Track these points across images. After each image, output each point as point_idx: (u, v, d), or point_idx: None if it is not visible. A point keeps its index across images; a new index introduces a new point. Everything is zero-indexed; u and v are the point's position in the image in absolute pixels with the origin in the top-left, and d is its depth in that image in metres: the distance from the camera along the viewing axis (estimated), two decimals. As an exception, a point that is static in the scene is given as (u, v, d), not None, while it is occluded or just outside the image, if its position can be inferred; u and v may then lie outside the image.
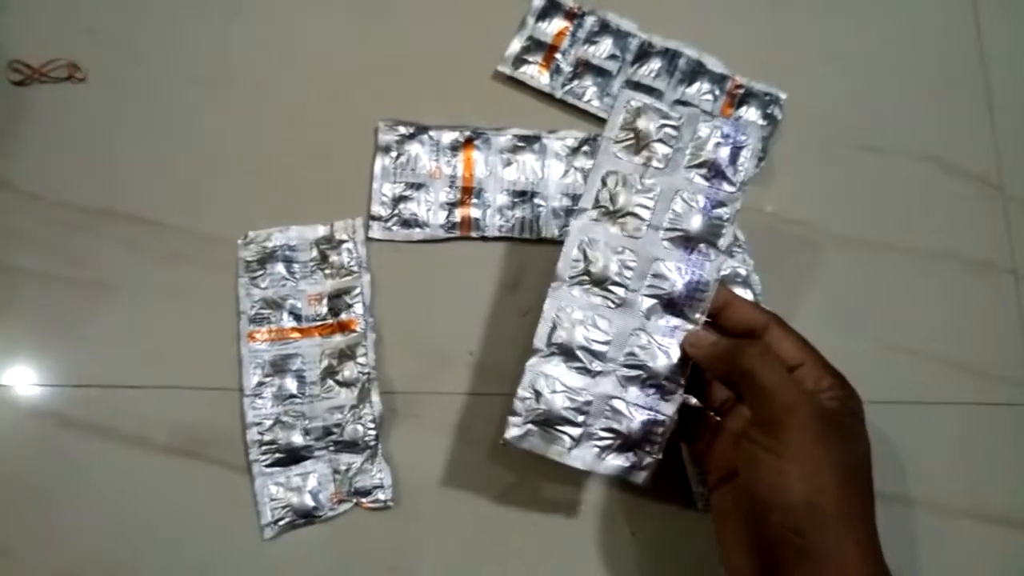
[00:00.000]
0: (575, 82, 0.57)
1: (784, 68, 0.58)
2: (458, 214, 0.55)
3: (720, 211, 0.45)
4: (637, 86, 0.57)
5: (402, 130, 0.56)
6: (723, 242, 0.45)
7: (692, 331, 0.44)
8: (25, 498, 0.48)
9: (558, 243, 0.53)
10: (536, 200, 0.55)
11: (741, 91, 0.58)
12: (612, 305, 0.44)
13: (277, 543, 0.49)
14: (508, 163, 0.56)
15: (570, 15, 0.59)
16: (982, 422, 0.53)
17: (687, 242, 0.44)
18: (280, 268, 0.53)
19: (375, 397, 0.50)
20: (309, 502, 0.49)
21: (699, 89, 0.58)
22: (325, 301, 0.52)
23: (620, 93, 0.46)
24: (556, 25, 0.58)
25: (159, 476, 0.49)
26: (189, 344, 0.51)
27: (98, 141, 0.55)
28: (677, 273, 0.44)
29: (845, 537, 0.36)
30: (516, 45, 0.58)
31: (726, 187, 0.45)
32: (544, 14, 0.59)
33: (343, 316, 0.52)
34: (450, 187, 0.55)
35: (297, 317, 0.52)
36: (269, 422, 0.50)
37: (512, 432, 0.44)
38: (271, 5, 0.58)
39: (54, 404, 0.50)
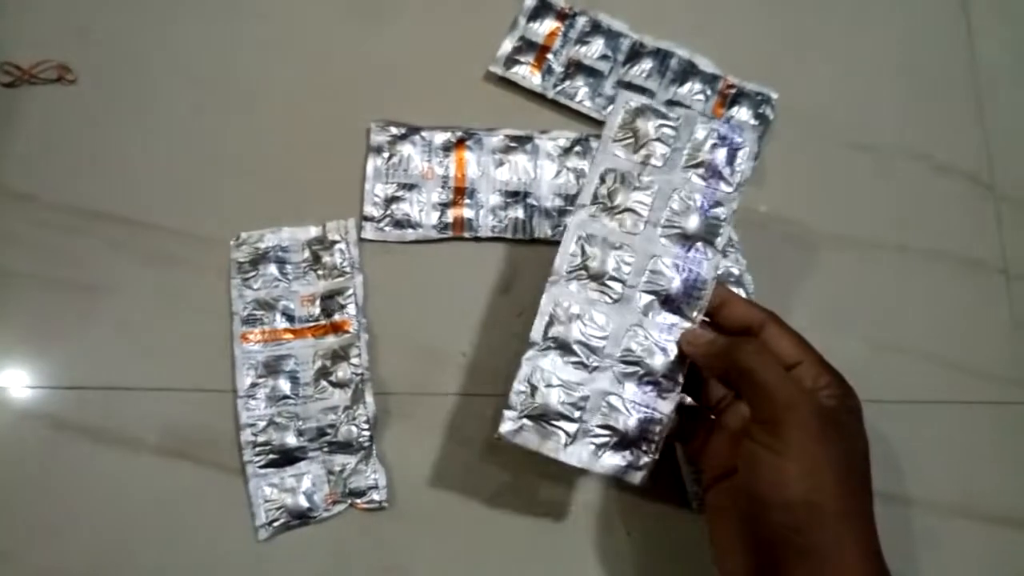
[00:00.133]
0: (567, 82, 0.57)
1: (776, 68, 0.59)
2: (451, 215, 0.55)
3: (717, 211, 0.45)
4: (629, 86, 0.57)
5: (394, 131, 0.56)
6: (720, 241, 0.45)
7: (689, 329, 0.44)
8: (18, 500, 0.48)
9: (551, 243, 0.53)
10: (529, 200, 0.55)
11: (733, 91, 0.58)
12: (609, 300, 0.44)
13: (272, 544, 0.48)
14: (500, 163, 0.56)
15: (561, 15, 0.59)
16: (973, 421, 0.53)
17: (685, 240, 0.45)
18: (273, 269, 0.52)
19: (369, 398, 0.50)
20: (303, 503, 0.49)
21: (691, 89, 0.58)
22: (318, 302, 0.52)
23: (619, 94, 0.46)
24: (548, 25, 0.58)
25: (152, 478, 0.49)
26: (182, 345, 0.51)
27: (89, 143, 0.54)
28: (674, 270, 0.44)
29: (845, 536, 0.37)
30: (508, 45, 0.58)
31: (723, 187, 0.45)
32: (535, 14, 0.59)
33: (336, 317, 0.52)
34: (442, 188, 0.55)
35: (290, 318, 0.52)
36: (263, 423, 0.50)
37: (506, 426, 0.43)
38: (264, 6, 0.58)
39: (47, 406, 0.50)
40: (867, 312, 0.55)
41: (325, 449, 0.50)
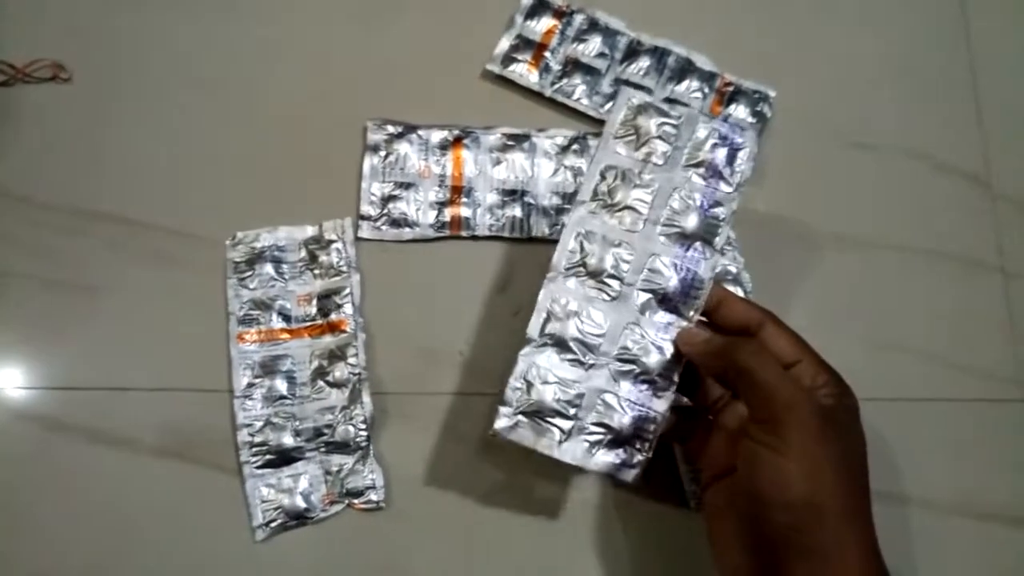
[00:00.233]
0: (564, 80, 0.57)
1: (773, 66, 0.59)
2: (448, 213, 0.54)
3: (717, 211, 0.45)
4: (626, 84, 0.57)
5: (390, 129, 0.55)
6: (718, 241, 0.45)
7: (686, 328, 0.44)
8: (14, 501, 0.48)
9: (549, 242, 0.53)
10: (526, 199, 0.55)
11: (730, 89, 0.58)
12: (607, 298, 0.44)
13: (269, 545, 0.48)
14: (498, 162, 0.55)
15: (559, 13, 0.58)
16: (970, 419, 0.53)
17: (683, 239, 0.44)
18: (269, 269, 0.52)
19: (366, 398, 0.50)
20: (301, 503, 0.49)
21: (688, 87, 0.58)
22: (314, 302, 0.52)
23: (621, 90, 0.46)
24: (545, 23, 0.58)
25: (149, 479, 0.49)
26: (178, 346, 0.51)
27: (85, 142, 0.54)
28: (672, 269, 0.44)
29: (846, 535, 0.37)
30: (505, 43, 0.58)
31: (723, 187, 0.45)
32: (533, 12, 0.58)
33: (333, 317, 0.51)
34: (439, 186, 0.55)
35: (286, 318, 0.52)
36: (259, 423, 0.49)
37: (501, 423, 0.43)
38: (259, 5, 0.58)
39: (42, 407, 0.49)
40: (865, 311, 0.55)
41: (322, 449, 0.49)
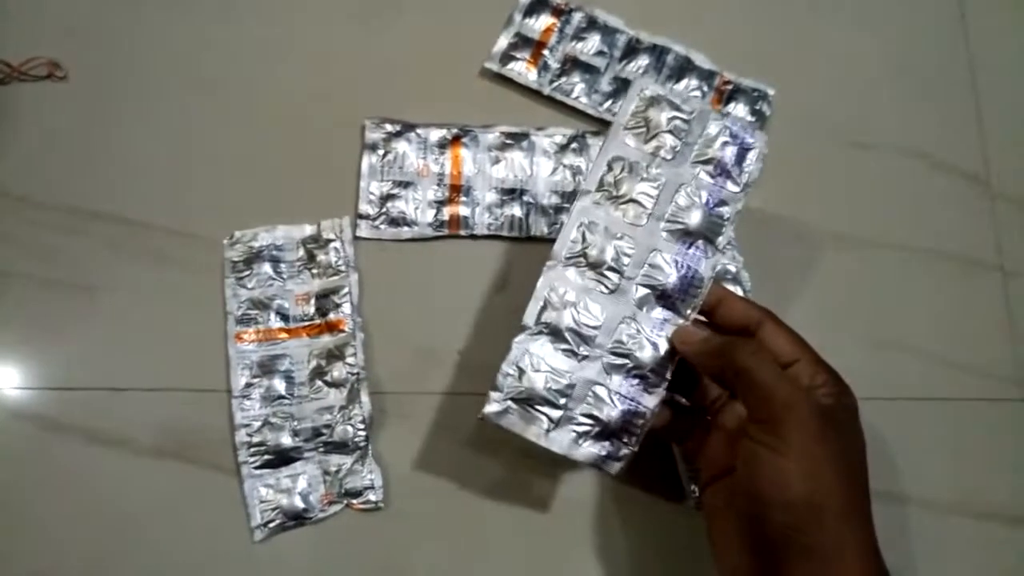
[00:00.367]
0: (563, 79, 0.57)
1: (772, 65, 0.58)
2: (446, 212, 0.54)
3: (722, 210, 0.45)
4: (625, 83, 0.57)
5: (389, 128, 0.55)
6: (721, 240, 0.45)
7: (682, 326, 0.44)
8: (12, 501, 0.48)
9: (548, 241, 0.53)
10: (525, 198, 0.55)
11: (729, 87, 0.58)
12: (605, 290, 0.44)
13: (267, 545, 0.48)
14: (496, 161, 0.55)
15: (557, 11, 0.58)
16: (969, 418, 0.53)
17: (686, 236, 0.44)
18: (267, 268, 0.52)
19: (364, 397, 0.50)
20: (299, 504, 0.49)
21: (687, 85, 0.57)
22: (312, 301, 0.52)
23: (635, 80, 0.46)
24: (543, 21, 0.58)
25: (147, 479, 0.48)
26: (176, 345, 0.51)
27: (83, 141, 0.54)
28: (673, 266, 0.44)
29: (846, 535, 0.37)
30: (503, 42, 0.57)
31: (730, 186, 0.45)
32: (531, 10, 0.58)
33: (331, 316, 0.51)
34: (438, 185, 0.55)
35: (284, 317, 0.51)
36: (258, 423, 0.49)
37: (491, 407, 0.43)
38: (256, 4, 0.58)
39: (40, 407, 0.49)
40: (863, 310, 0.55)
41: (321, 449, 0.49)
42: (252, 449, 0.49)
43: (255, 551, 0.48)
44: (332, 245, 0.52)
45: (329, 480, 0.49)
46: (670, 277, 0.44)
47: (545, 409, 0.44)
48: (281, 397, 0.50)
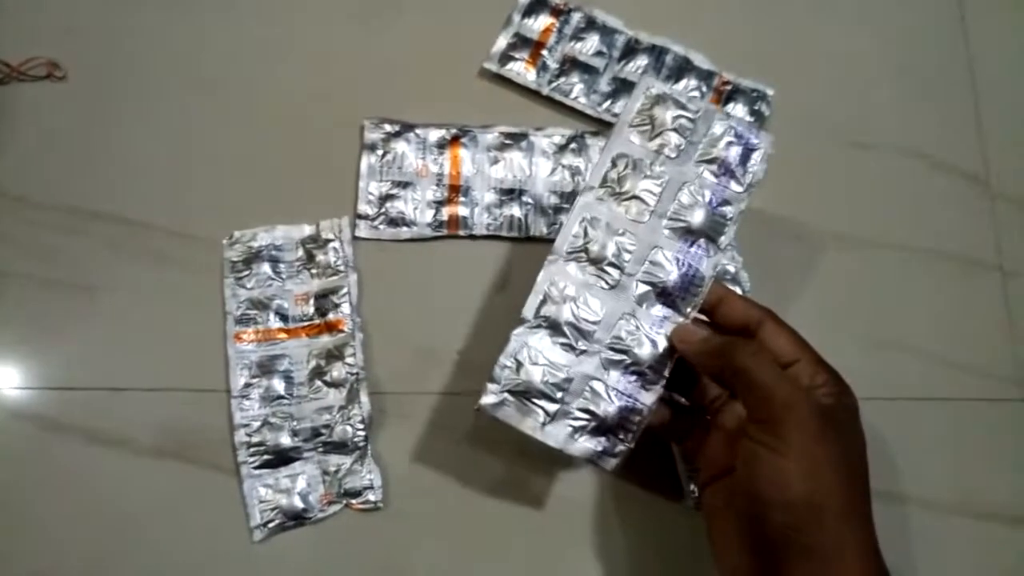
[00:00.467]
0: (562, 79, 0.57)
1: (772, 65, 0.58)
2: (445, 212, 0.54)
3: (725, 209, 0.45)
4: (624, 83, 0.57)
5: (388, 128, 0.55)
6: (723, 240, 0.45)
7: (681, 325, 0.44)
8: (12, 501, 0.48)
9: (547, 241, 0.53)
10: (524, 198, 0.55)
11: (728, 87, 0.58)
12: (605, 286, 0.44)
13: (267, 545, 0.48)
14: (495, 161, 0.55)
15: (556, 11, 0.58)
16: (969, 418, 0.53)
17: (688, 234, 0.44)
18: (266, 268, 0.52)
19: (364, 397, 0.50)
20: (299, 504, 0.48)
21: (686, 86, 0.57)
22: (312, 301, 0.52)
23: (641, 78, 0.46)
24: (542, 22, 0.58)
25: (146, 479, 0.48)
26: (175, 345, 0.51)
27: (82, 141, 0.54)
28: (674, 264, 0.44)
29: (846, 535, 0.37)
30: (502, 42, 0.57)
31: (734, 186, 0.45)
32: (530, 10, 0.58)
33: (330, 316, 0.51)
34: (437, 185, 0.55)
35: (284, 317, 0.51)
36: (257, 423, 0.49)
37: (488, 399, 0.43)
38: (256, 4, 0.58)
39: (39, 407, 0.49)
40: (863, 310, 0.55)
41: (320, 449, 0.49)
42: (251, 449, 0.49)
43: (255, 551, 0.48)
44: (331, 245, 0.52)
45: (328, 480, 0.49)
46: (671, 275, 0.44)
47: (541, 402, 0.44)
48: (280, 397, 0.50)
